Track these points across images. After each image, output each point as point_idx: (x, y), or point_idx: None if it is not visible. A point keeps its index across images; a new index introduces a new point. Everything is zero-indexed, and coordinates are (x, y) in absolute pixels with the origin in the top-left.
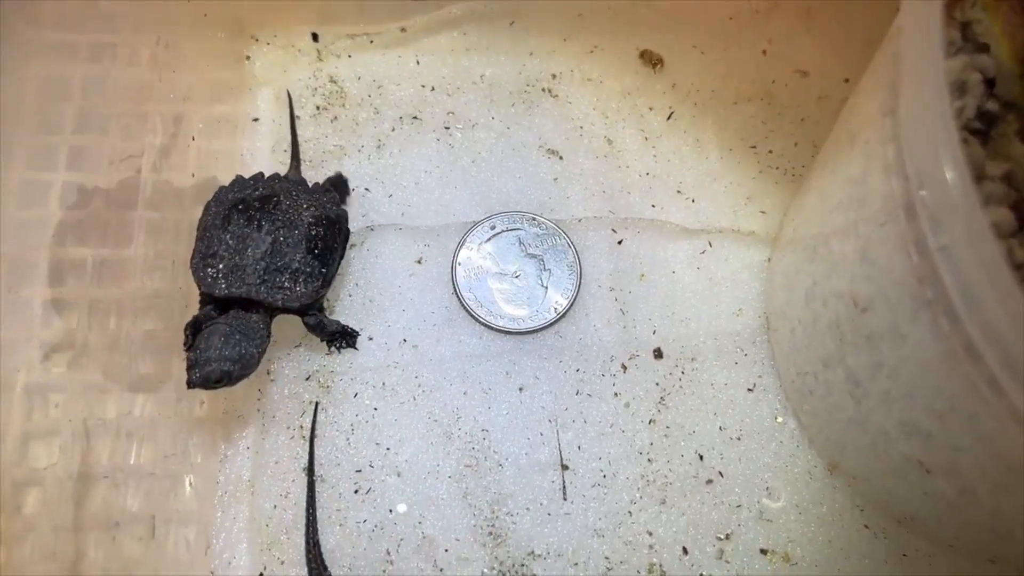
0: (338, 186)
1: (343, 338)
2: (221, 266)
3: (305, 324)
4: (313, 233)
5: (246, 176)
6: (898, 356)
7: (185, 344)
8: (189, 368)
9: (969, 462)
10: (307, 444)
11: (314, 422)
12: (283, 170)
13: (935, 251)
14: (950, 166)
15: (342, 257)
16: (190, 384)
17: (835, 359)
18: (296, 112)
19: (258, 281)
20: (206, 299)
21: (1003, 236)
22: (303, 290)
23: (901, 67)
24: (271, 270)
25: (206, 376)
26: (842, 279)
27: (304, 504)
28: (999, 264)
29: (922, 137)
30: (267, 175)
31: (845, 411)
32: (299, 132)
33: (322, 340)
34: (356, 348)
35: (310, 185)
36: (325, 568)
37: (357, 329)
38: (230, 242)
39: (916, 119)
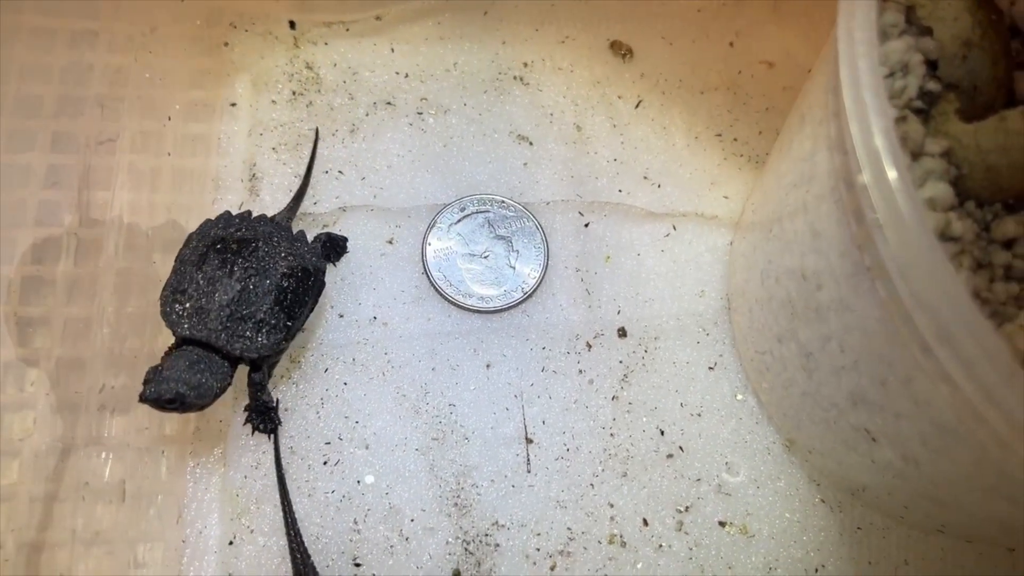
0: (333, 243)
1: (263, 417)
2: (188, 305)
3: (249, 377)
4: (284, 285)
5: (233, 213)
6: (843, 326)
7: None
8: (145, 382)
9: (910, 428)
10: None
11: (276, 406)
12: (260, 153)
13: (871, 223)
14: (883, 144)
15: (312, 310)
16: (141, 398)
17: (788, 334)
18: (272, 97)
19: (219, 327)
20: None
21: (942, 210)
22: (264, 341)
23: (840, 46)
24: (235, 317)
25: (159, 393)
26: (794, 255)
27: (274, 474)
28: (928, 238)
29: (857, 114)
30: (255, 214)
31: (799, 385)
32: (275, 116)
33: (246, 407)
34: (268, 436)
35: (295, 233)
36: (307, 553)
37: (281, 415)
38: (201, 282)
39: (853, 97)
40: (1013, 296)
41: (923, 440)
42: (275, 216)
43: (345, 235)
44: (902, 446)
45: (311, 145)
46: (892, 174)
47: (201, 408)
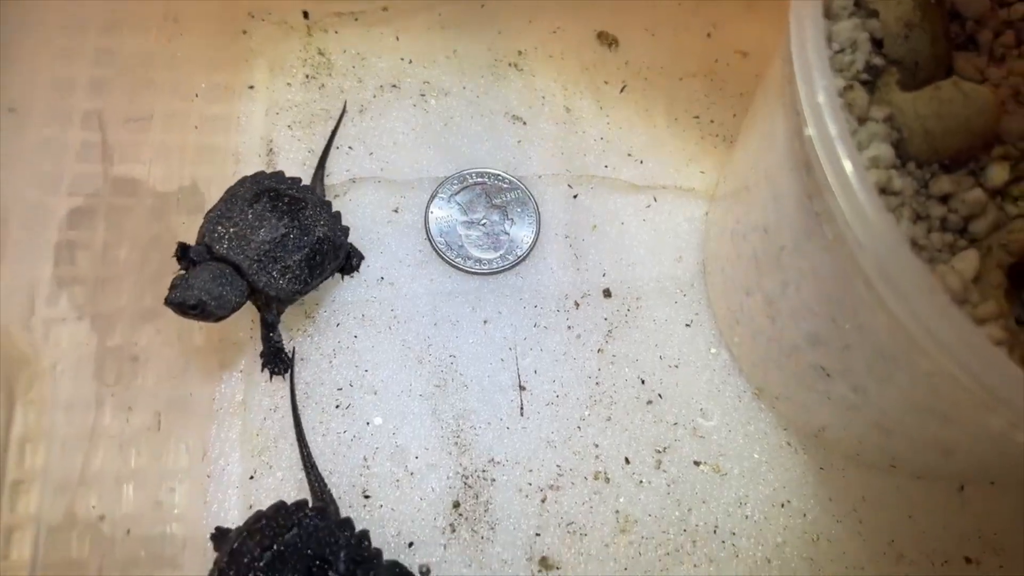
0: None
1: (275, 359)
2: (232, 230)
3: (263, 319)
4: (317, 247)
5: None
6: (799, 270)
7: (176, 254)
8: (172, 288)
9: (857, 359)
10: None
11: (292, 363)
12: (276, 130)
13: (817, 172)
14: (825, 100)
15: (327, 277)
16: (167, 301)
17: (755, 286)
18: (287, 80)
19: (254, 257)
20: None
21: (884, 167)
22: (284, 285)
23: (791, 19)
24: (269, 256)
25: (184, 298)
26: (757, 212)
27: (290, 417)
28: (865, 184)
29: (804, 76)
30: (303, 182)
31: (764, 333)
32: (289, 98)
33: (261, 353)
34: (283, 377)
35: (333, 211)
36: (323, 481)
37: (297, 364)
38: (249, 216)
39: (801, 62)
40: (948, 244)
41: (869, 368)
42: (312, 186)
43: (356, 206)
44: (852, 378)
45: (324, 123)
46: (832, 126)
47: (219, 319)
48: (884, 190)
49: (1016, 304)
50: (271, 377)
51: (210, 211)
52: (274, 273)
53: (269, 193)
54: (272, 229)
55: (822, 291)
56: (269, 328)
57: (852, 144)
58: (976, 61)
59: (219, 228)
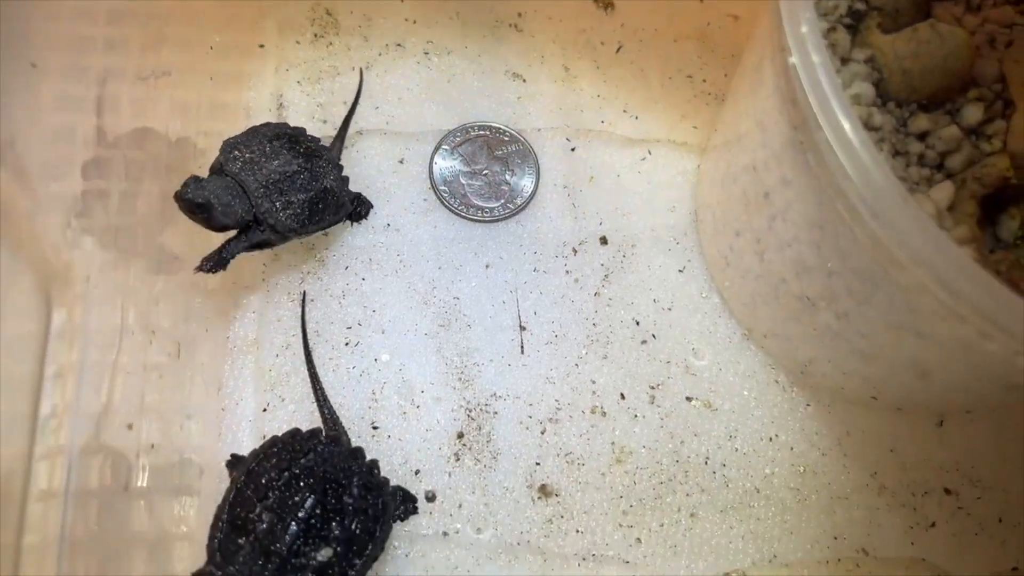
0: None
1: (216, 260)
2: (248, 156)
3: (238, 237)
4: (322, 195)
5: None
6: (785, 202)
7: None
8: (184, 185)
9: (840, 285)
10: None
11: (303, 303)
12: (286, 85)
13: (803, 104)
14: (807, 31)
15: (323, 227)
16: (177, 195)
17: (744, 226)
18: (296, 39)
19: (262, 183)
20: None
21: (865, 105)
22: (283, 219)
23: None
24: (276, 187)
25: (195, 196)
26: (746, 153)
27: (302, 354)
28: (843, 104)
29: (788, 14)
30: (322, 142)
31: (753, 271)
32: (299, 55)
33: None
34: (225, 269)
35: (343, 174)
36: (333, 410)
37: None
38: (267, 150)
39: (789, 6)
40: (925, 178)
41: (850, 291)
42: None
43: (363, 157)
44: (835, 304)
45: (332, 79)
46: (814, 55)
47: (221, 228)
48: (865, 126)
49: (988, 234)
50: (198, 270)
51: (229, 138)
52: (277, 204)
53: (290, 138)
54: (285, 163)
55: (806, 218)
56: (230, 246)
57: (832, 71)
58: (953, 9)
59: (235, 152)
